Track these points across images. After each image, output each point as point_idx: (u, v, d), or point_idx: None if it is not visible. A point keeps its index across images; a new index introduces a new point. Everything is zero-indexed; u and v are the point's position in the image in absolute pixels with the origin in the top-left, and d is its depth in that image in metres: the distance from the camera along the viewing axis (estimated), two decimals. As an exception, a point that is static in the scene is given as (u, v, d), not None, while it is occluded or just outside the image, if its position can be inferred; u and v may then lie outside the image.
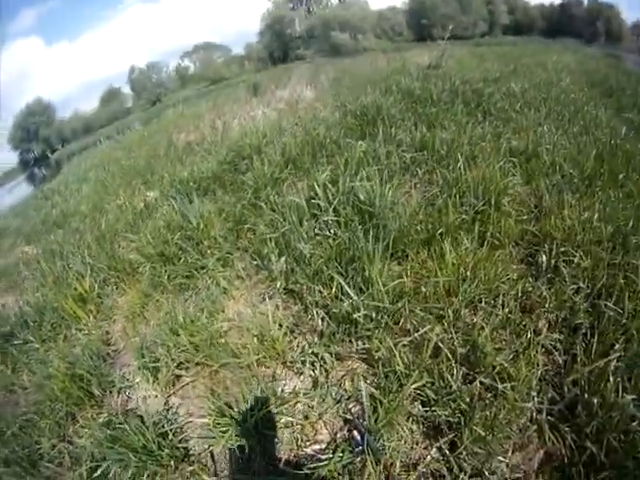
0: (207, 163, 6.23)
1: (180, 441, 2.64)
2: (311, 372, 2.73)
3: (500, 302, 2.72)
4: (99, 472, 2.53)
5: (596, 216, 3.24)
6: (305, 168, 5.08)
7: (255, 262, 3.54)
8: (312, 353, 2.74)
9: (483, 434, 2.11)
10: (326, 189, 3.94)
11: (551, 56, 14.17)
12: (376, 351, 2.63)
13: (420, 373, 2.35)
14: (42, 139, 57.17)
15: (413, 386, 2.33)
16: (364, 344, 2.74)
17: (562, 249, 3.03)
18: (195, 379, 2.95)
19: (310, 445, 2.44)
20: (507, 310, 2.64)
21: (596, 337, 2.42)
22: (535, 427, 2.23)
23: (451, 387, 2.32)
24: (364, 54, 28.13)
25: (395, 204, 3.66)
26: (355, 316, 2.70)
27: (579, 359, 2.39)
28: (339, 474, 2.21)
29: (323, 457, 2.27)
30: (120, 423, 2.67)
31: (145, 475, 2.47)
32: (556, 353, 2.49)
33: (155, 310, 3.62)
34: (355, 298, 2.76)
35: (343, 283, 2.87)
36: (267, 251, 3.42)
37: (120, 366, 3.50)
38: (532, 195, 3.93)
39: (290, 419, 2.51)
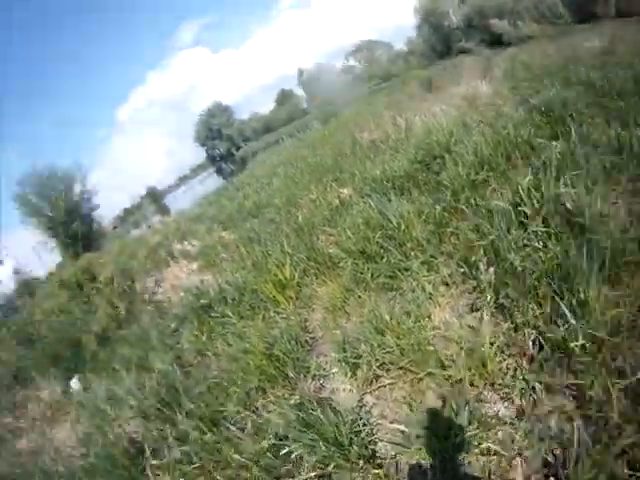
0: (397, 162, 6.27)
1: (370, 442, 2.69)
2: (519, 400, 2.55)
3: None
4: (285, 450, 2.74)
5: None
6: (501, 170, 4.79)
7: (462, 269, 3.44)
8: (522, 379, 2.56)
9: None
10: (530, 194, 3.69)
11: None
12: (589, 388, 2.35)
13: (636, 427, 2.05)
14: (226, 137, 64.89)
15: (627, 441, 2.03)
16: (577, 379, 2.46)
17: None
18: (394, 382, 2.98)
19: None
20: None
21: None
22: None
23: None
24: (528, 42, 25.62)
25: (605, 216, 3.29)
26: (572, 345, 2.45)
27: None
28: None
29: None
30: (313, 409, 2.84)
31: (331, 466, 2.59)
32: None
33: (357, 306, 3.76)
34: (573, 322, 2.51)
35: (561, 303, 2.63)
36: (475, 259, 3.30)
37: (317, 354, 3.73)
38: None
39: (492, 446, 2.36)
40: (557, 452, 2.25)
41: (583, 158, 4.18)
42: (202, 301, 5.50)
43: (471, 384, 2.71)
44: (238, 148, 61.82)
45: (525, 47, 22.39)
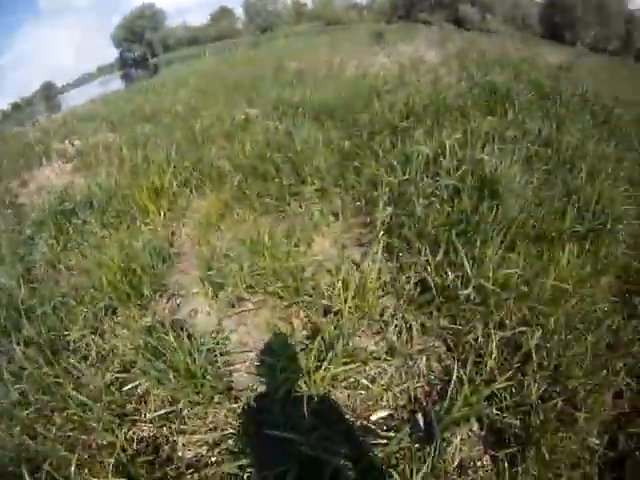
0: (320, 93, 5.94)
1: (228, 374, 2.45)
2: (392, 336, 2.48)
3: (593, 329, 2.57)
4: (130, 386, 2.39)
5: None
6: (428, 125, 4.70)
7: (358, 203, 3.23)
8: (400, 317, 2.50)
9: (548, 458, 2.00)
10: (452, 152, 3.67)
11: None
12: (467, 334, 2.44)
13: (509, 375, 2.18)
14: (145, 42, 59.83)
15: (500, 385, 2.14)
16: (455, 323, 2.52)
17: None
18: (260, 308, 2.74)
19: (368, 416, 2.23)
20: (596, 339, 2.46)
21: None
22: (587, 466, 2.11)
23: (529, 399, 2.19)
24: (490, 35, 26.58)
25: (518, 190, 3.44)
26: (460, 292, 2.47)
27: None
28: (393, 455, 2.02)
29: (381, 434, 2.09)
30: (165, 333, 2.47)
31: (180, 402, 2.31)
32: (625, 399, 2.36)
33: (234, 224, 3.42)
34: (469, 272, 2.53)
35: (462, 251, 2.60)
36: (377, 195, 3.10)
37: (179, 272, 3.35)
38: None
39: (361, 380, 2.31)
40: (426, 389, 2.31)
41: (512, 138, 4.45)
42: (65, 205, 4.77)
43: (344, 314, 2.55)
44: (154, 56, 57.29)
45: (486, 38, 22.90)
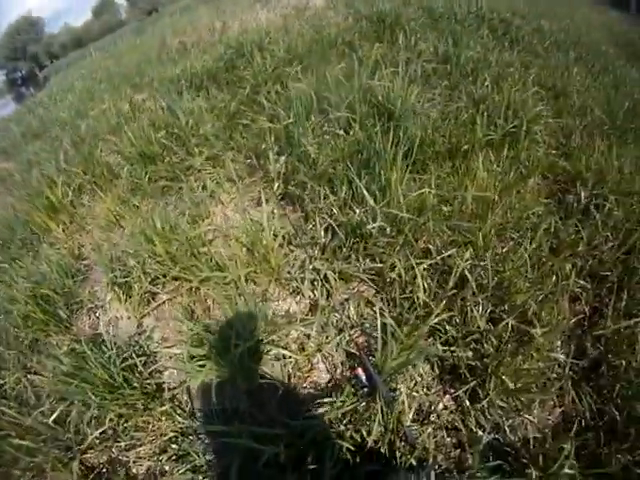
0: (202, 61, 5.65)
1: (152, 374, 2.34)
2: (310, 293, 2.38)
3: (529, 235, 2.51)
4: (55, 415, 2.22)
5: (628, 169, 3.13)
6: (313, 65, 4.53)
7: (249, 161, 3.10)
8: (313, 269, 2.36)
9: (511, 385, 1.93)
10: (339, 84, 3.51)
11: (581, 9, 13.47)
12: (391, 270, 2.30)
13: (444, 305, 2.05)
14: (30, 57, 56.00)
15: (435, 319, 2.01)
16: (376, 262, 2.38)
17: (593, 192, 2.90)
18: (173, 297, 2.62)
19: (305, 384, 2.15)
20: (535, 245, 2.40)
21: (625, 294, 2.26)
22: (558, 383, 2.07)
23: (476, 326, 2.10)
24: None
25: (417, 110, 3.36)
26: (369, 227, 2.33)
27: (605, 314, 2.24)
28: (339, 420, 1.93)
29: (321, 400, 1.98)
30: (84, 352, 2.31)
31: (107, 418, 2.17)
32: (583, 302, 2.35)
33: (132, 217, 3.23)
34: (372, 203, 2.39)
35: (359, 183, 2.48)
36: (265, 147, 2.97)
37: (92, 283, 3.16)
38: (561, 131, 3.77)
39: (283, 351, 2.18)
40: (360, 340, 2.18)
41: (404, 62, 4.18)
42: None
43: (254, 282, 2.47)
44: (42, 68, 53.76)
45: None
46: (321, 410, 1.93)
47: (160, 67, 6.91)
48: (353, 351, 2.16)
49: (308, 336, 2.23)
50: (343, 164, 2.77)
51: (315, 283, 2.36)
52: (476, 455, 1.85)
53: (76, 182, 4.10)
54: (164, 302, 2.63)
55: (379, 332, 1.93)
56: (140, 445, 2.17)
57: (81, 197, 3.99)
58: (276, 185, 2.84)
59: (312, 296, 2.36)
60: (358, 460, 1.83)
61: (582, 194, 2.88)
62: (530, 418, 2.01)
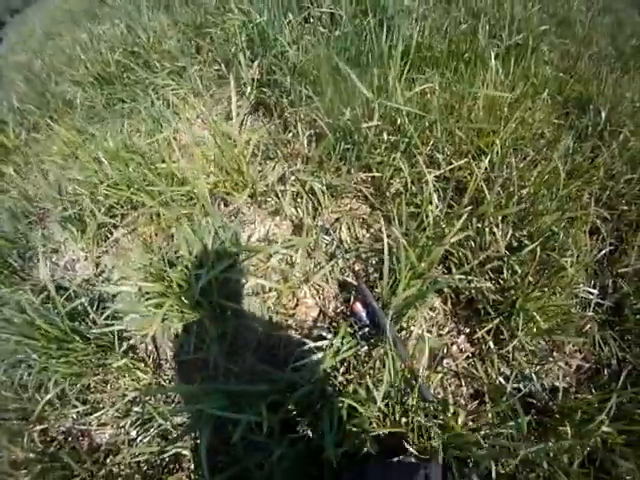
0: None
1: (108, 323, 1.96)
2: (293, 211, 2.02)
3: (545, 154, 2.23)
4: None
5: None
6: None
7: (218, 71, 2.69)
8: (295, 180, 2.00)
9: (542, 323, 1.67)
10: None
11: None
12: (389, 184, 1.99)
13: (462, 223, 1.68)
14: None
15: (453, 239, 1.65)
16: (371, 171, 2.03)
17: (608, 119, 2.61)
18: (131, 229, 2.28)
19: (290, 324, 1.82)
20: (552, 167, 2.05)
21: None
22: (584, 324, 1.85)
23: (496, 251, 1.80)
24: None
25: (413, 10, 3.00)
26: (364, 126, 1.93)
27: (627, 252, 2.05)
28: (336, 370, 1.62)
29: (311, 345, 1.65)
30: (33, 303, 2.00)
31: (52, 381, 1.86)
32: (603, 236, 2.09)
33: (88, 146, 2.85)
34: (369, 96, 1.97)
35: (358, 82, 2.01)
36: (235, 51, 2.56)
37: (47, 225, 2.82)
38: (567, 55, 3.47)
39: (261, 282, 1.83)
40: (356, 269, 1.88)
41: None
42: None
43: (224, 200, 2.14)
44: (3, 25, 51.76)
45: None
46: (313, 358, 1.60)
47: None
48: (350, 280, 1.82)
49: (292, 264, 1.90)
50: (329, 62, 2.34)
51: (299, 199, 2.01)
52: (499, 408, 1.53)
53: (31, 120, 3.75)
54: (123, 236, 2.28)
55: (385, 253, 1.52)
56: (100, 410, 1.90)
57: (37, 135, 3.61)
58: (248, 90, 2.44)
59: (296, 214, 2.00)
60: (364, 422, 1.51)
61: (596, 119, 2.63)
62: (562, 364, 1.79)
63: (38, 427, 1.90)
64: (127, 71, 3.14)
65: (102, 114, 2.98)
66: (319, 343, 1.64)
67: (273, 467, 1.46)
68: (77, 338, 1.88)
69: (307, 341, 1.66)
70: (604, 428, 1.43)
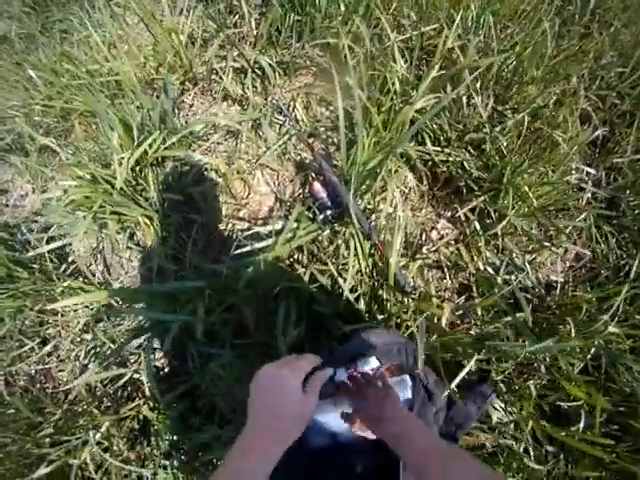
0: None
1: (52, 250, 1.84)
2: (239, 90, 1.81)
3: (528, 30, 1.92)
4: None
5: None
6: None
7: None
8: (239, 55, 1.79)
9: (533, 197, 1.51)
10: None
11: None
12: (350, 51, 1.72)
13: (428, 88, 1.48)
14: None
15: (422, 101, 1.46)
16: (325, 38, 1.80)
17: (596, 9, 2.27)
18: (71, 143, 2.09)
19: (242, 214, 1.66)
20: (540, 38, 1.80)
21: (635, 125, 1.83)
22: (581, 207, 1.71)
23: (477, 119, 1.62)
24: None
25: None
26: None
27: (620, 142, 1.88)
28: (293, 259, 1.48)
29: (260, 230, 1.52)
30: None
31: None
32: (595, 124, 1.83)
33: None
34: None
35: None
36: None
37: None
38: None
39: (203, 159, 1.66)
40: (317, 148, 1.73)
41: None
42: None
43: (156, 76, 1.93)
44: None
45: None
46: (263, 244, 1.41)
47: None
48: (308, 158, 1.66)
49: (238, 143, 1.71)
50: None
51: (245, 77, 1.79)
52: (487, 301, 1.35)
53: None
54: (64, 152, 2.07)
55: (341, 120, 1.31)
56: (58, 348, 1.80)
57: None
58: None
59: (242, 93, 1.79)
60: (332, 316, 1.36)
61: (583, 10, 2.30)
62: (558, 252, 1.63)
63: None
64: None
65: (39, 40, 2.74)
66: (268, 228, 1.48)
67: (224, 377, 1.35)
68: (19, 269, 1.76)
69: (258, 229, 1.50)
70: (610, 329, 1.29)
